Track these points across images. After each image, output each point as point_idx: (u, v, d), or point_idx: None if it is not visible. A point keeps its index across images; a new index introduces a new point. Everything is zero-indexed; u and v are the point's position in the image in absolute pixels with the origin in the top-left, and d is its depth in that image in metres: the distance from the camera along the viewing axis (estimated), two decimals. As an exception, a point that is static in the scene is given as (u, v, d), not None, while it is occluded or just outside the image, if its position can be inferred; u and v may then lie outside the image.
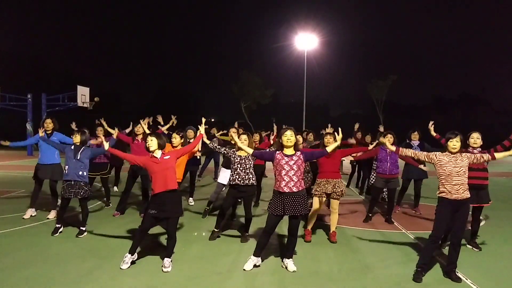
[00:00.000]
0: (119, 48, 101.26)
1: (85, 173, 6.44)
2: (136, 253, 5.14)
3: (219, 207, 7.74)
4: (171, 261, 5.02)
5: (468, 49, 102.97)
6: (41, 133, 7.05)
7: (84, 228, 6.49)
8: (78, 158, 6.37)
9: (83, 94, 25.16)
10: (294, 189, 4.86)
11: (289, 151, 4.98)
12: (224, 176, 7.49)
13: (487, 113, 57.93)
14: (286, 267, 5.05)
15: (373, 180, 8.87)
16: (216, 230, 6.43)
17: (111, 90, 57.77)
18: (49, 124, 7.43)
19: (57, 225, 6.48)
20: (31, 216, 7.54)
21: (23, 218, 7.44)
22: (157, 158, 5.07)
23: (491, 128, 52.16)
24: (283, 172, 4.88)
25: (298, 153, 4.99)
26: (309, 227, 6.42)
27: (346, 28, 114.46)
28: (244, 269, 4.96)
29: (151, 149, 5.06)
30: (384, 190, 8.23)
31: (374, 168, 9.15)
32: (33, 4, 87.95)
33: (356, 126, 11.67)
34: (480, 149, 5.89)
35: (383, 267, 5.23)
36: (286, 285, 4.61)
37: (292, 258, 5.12)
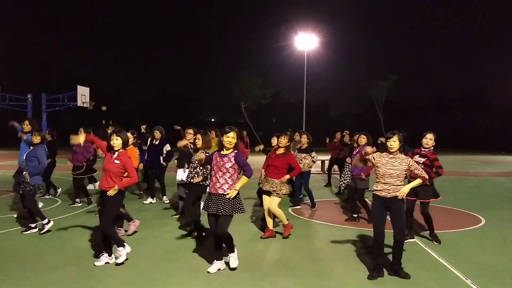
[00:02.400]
0: (119, 48, 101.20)
1: (25, 173, 6.48)
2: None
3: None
4: (121, 249, 5.07)
5: (468, 49, 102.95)
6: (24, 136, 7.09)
7: (34, 224, 6.61)
8: (27, 158, 6.53)
9: (83, 94, 25.12)
10: (220, 191, 4.79)
11: (224, 152, 4.89)
12: (180, 175, 7.51)
13: (488, 113, 57.80)
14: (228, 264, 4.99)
15: (347, 182, 8.88)
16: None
17: (111, 90, 57.77)
18: (26, 125, 7.41)
19: (30, 224, 6.59)
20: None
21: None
22: (111, 155, 5.06)
23: (492, 128, 52.15)
24: (215, 173, 4.88)
25: (232, 154, 4.86)
26: (268, 226, 6.48)
27: (346, 28, 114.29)
28: (208, 272, 4.84)
29: (115, 148, 5.05)
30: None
31: (348, 170, 9.12)
32: (33, 4, 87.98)
33: (338, 136, 11.97)
34: (432, 148, 6.07)
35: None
36: (283, 284, 4.61)
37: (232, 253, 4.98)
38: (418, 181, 4.89)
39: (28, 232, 6.49)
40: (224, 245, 4.96)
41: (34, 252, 5.58)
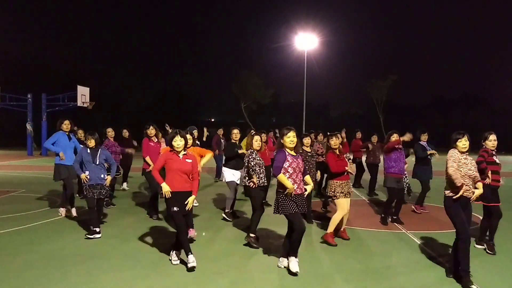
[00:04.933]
0: (119, 48, 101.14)
1: (105, 176, 6.53)
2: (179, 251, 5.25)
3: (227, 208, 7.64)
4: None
5: (468, 49, 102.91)
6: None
7: (97, 229, 6.30)
8: (98, 162, 6.42)
9: (83, 94, 25.15)
10: (298, 191, 4.94)
11: (292, 152, 5.01)
12: (230, 174, 7.46)
13: (487, 113, 57.82)
14: (287, 267, 4.94)
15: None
16: (252, 235, 6.10)
17: (111, 90, 57.74)
18: (68, 125, 7.65)
19: (95, 228, 6.26)
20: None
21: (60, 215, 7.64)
22: (178, 156, 5.07)
23: (491, 128, 52.07)
24: (294, 175, 4.91)
25: (299, 155, 5.11)
26: (336, 228, 6.33)
27: (346, 28, 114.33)
28: (295, 272, 4.79)
29: (178, 149, 5.05)
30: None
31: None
32: (33, 4, 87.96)
33: (358, 135, 11.81)
34: (496, 150, 5.92)
35: (384, 267, 5.22)
36: (285, 285, 4.60)
37: (297, 256, 4.95)
38: (481, 185, 4.89)
39: (92, 236, 6.20)
40: (292, 244, 4.92)
41: (36, 253, 5.58)
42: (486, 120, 54.33)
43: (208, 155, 6.76)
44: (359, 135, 11.93)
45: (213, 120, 64.56)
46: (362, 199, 10.43)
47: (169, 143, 5.14)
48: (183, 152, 5.12)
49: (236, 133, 7.76)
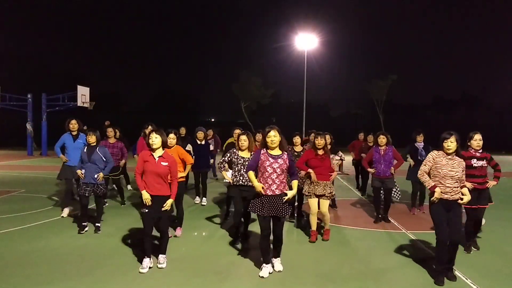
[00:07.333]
0: (119, 48, 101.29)
1: (98, 176, 6.47)
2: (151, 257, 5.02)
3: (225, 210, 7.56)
4: (165, 257, 5.06)
5: (468, 49, 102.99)
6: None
7: (99, 225, 6.61)
8: (93, 161, 6.42)
9: (83, 94, 25.11)
10: (277, 192, 4.76)
11: (274, 152, 4.82)
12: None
13: (488, 113, 57.87)
14: (273, 267, 4.93)
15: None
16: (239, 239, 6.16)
17: (111, 90, 57.82)
18: (74, 125, 7.52)
19: (83, 224, 6.56)
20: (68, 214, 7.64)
21: (62, 216, 7.54)
22: (154, 158, 4.90)
23: (492, 128, 52.19)
24: (266, 174, 4.75)
25: (285, 155, 4.83)
26: (314, 228, 6.33)
27: (346, 28, 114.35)
28: (261, 276, 4.73)
29: (154, 147, 4.89)
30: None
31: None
32: (33, 4, 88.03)
33: (361, 136, 11.62)
34: (481, 150, 5.69)
35: (383, 267, 5.23)
36: (286, 285, 4.60)
37: (279, 257, 5.01)
38: (466, 190, 4.79)
39: (84, 231, 6.47)
40: (273, 247, 4.94)
41: (35, 253, 5.58)
42: (486, 120, 54.40)
43: (188, 166, 6.40)
44: (361, 136, 11.74)
45: (213, 120, 64.59)
46: (363, 198, 10.43)
47: (146, 140, 5.01)
48: (159, 154, 4.92)
49: (237, 133, 7.19)
